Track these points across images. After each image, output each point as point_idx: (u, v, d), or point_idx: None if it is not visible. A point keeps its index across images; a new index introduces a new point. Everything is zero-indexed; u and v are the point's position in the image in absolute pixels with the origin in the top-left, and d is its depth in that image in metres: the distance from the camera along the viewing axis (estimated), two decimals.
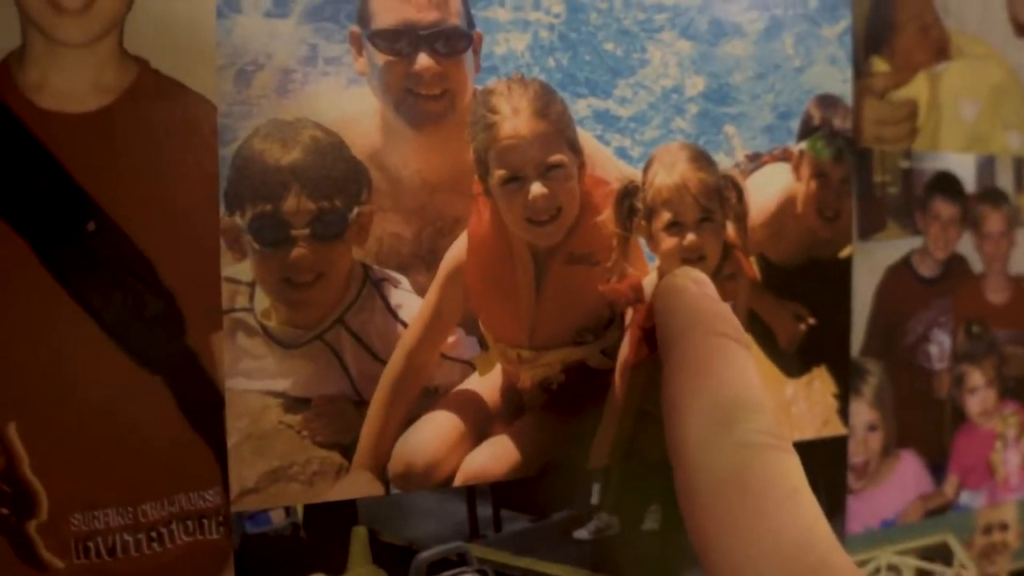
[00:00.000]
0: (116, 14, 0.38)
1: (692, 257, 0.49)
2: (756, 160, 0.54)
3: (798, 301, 0.56)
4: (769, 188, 0.55)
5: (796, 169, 0.55)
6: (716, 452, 0.36)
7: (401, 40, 0.43)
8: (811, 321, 0.56)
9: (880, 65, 0.59)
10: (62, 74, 0.37)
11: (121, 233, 0.38)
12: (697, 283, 0.43)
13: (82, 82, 0.38)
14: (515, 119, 0.45)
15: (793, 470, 0.36)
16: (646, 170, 0.49)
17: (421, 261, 0.45)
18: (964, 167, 0.64)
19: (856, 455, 0.60)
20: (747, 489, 0.35)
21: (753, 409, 0.37)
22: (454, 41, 0.45)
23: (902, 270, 0.62)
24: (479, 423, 0.47)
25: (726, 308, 0.43)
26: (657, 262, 0.50)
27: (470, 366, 0.47)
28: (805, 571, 0.33)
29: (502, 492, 0.48)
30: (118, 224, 0.38)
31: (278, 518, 0.43)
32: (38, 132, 0.37)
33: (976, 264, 0.66)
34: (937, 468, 0.64)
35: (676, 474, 0.37)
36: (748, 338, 0.42)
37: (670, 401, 0.39)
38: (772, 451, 0.36)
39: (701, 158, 0.50)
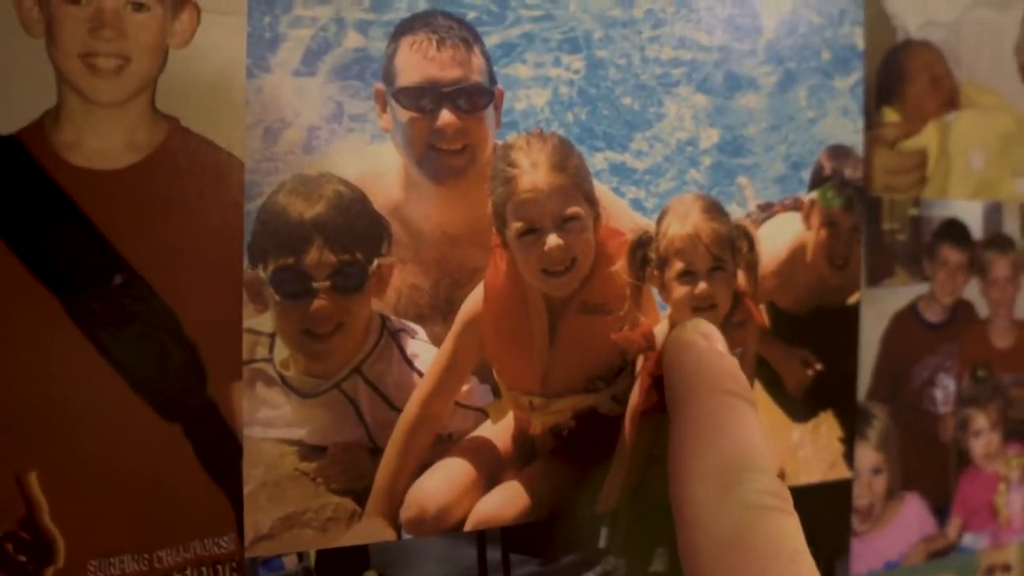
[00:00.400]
0: (150, 75, 0.39)
1: (703, 305, 0.50)
2: (768, 210, 0.55)
3: (806, 347, 0.57)
4: (780, 237, 0.55)
5: (807, 218, 0.56)
6: (721, 513, 0.37)
7: (424, 97, 0.44)
8: (818, 367, 0.57)
9: (891, 115, 0.60)
10: (96, 133, 0.38)
11: (147, 287, 0.39)
12: (706, 337, 0.44)
13: (115, 140, 0.39)
14: (534, 173, 0.46)
15: (795, 533, 0.37)
16: (660, 221, 0.50)
17: (438, 312, 0.46)
18: (972, 214, 0.65)
19: (860, 498, 0.60)
20: (752, 551, 0.35)
21: (758, 470, 0.38)
22: (476, 98, 0.45)
23: (909, 316, 0.63)
24: (491, 469, 0.48)
25: (734, 364, 0.44)
26: (669, 310, 0.50)
27: (483, 413, 0.48)
28: None
29: (512, 536, 0.48)
30: (144, 278, 0.39)
31: (291, 563, 0.43)
32: (70, 189, 0.38)
33: (982, 309, 0.66)
34: (940, 510, 0.65)
35: (679, 532, 0.38)
36: (754, 395, 0.43)
37: (676, 458, 0.40)
38: (776, 514, 0.37)
39: (714, 209, 0.51)
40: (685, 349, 0.44)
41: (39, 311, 0.37)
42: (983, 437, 0.67)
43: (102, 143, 0.38)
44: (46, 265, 0.37)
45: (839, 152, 0.57)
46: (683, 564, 0.37)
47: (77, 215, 0.38)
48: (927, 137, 0.61)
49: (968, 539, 0.66)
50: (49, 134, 0.37)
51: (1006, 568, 0.68)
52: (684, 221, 0.50)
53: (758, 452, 0.39)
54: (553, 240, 0.46)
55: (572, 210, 0.47)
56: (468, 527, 0.47)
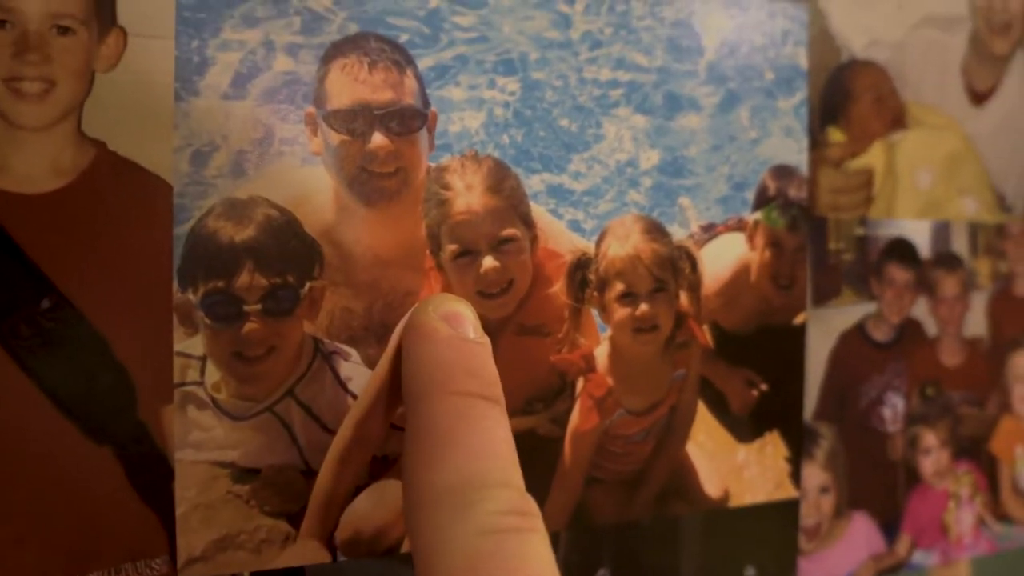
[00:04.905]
0: (75, 99, 0.39)
1: (645, 327, 0.50)
2: (711, 230, 0.55)
3: (751, 367, 0.57)
4: (723, 258, 0.56)
5: (750, 239, 0.56)
6: (453, 541, 0.32)
7: (356, 120, 0.44)
8: (763, 387, 0.57)
9: (836, 135, 0.60)
10: (20, 157, 0.38)
11: (75, 310, 0.39)
12: (449, 320, 0.37)
13: (40, 164, 0.39)
14: (468, 195, 0.46)
15: (535, 554, 0.33)
16: (599, 242, 0.50)
17: (372, 334, 0.46)
18: (919, 233, 0.65)
19: (808, 517, 0.60)
20: None
21: (496, 485, 0.33)
22: (408, 120, 0.45)
23: (856, 335, 0.63)
24: None
25: (479, 353, 0.37)
26: (609, 332, 0.51)
27: None
28: None
29: None
30: (72, 301, 0.39)
31: None
32: None
33: (931, 328, 0.67)
34: (889, 528, 0.65)
35: (414, 564, 0.34)
36: (500, 390, 0.37)
37: (407, 479, 0.35)
38: (515, 536, 0.33)
39: (655, 229, 0.51)
40: (419, 338, 0.37)
41: None
42: (933, 455, 0.67)
43: (27, 167, 0.38)
44: None
45: (783, 172, 0.57)
46: None
47: (3, 238, 0.38)
48: (873, 156, 0.62)
49: (918, 556, 0.67)
50: None
51: None
52: (624, 242, 0.50)
53: (497, 464, 0.34)
54: (489, 262, 0.47)
55: (508, 232, 0.47)
56: (405, 549, 0.47)
